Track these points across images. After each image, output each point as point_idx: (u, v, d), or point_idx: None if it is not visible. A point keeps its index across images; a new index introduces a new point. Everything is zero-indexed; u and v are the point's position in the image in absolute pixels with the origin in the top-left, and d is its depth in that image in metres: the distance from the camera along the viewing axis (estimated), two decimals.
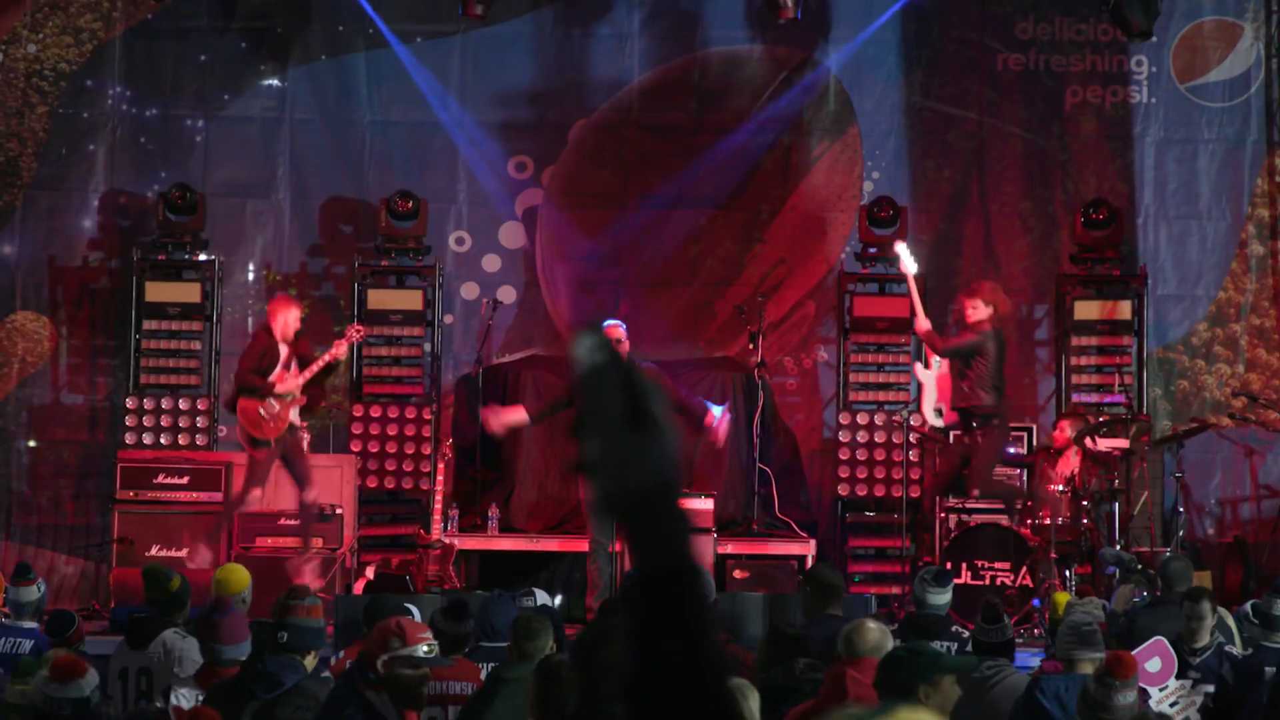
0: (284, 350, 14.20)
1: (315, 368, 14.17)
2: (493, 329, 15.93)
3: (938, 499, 14.69)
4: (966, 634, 9.01)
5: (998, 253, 16.74)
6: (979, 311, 14.00)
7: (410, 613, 9.11)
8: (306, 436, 14.44)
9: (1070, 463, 14.26)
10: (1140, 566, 12.76)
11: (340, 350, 14.32)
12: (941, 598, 9.27)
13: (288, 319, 14.23)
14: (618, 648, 5.23)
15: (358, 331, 14.70)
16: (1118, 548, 13.77)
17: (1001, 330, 14.14)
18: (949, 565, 13.21)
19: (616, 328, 13.43)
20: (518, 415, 13.52)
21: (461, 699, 7.68)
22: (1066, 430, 14.27)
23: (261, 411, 13.98)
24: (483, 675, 7.95)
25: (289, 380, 14.09)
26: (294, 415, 14.14)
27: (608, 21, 16.90)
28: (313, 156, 16.74)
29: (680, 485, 2.96)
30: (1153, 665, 8.72)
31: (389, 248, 16.20)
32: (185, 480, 15.01)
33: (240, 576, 9.39)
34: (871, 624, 6.77)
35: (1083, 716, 6.66)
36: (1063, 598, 9.03)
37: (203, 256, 16.10)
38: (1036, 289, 16.68)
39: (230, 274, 16.48)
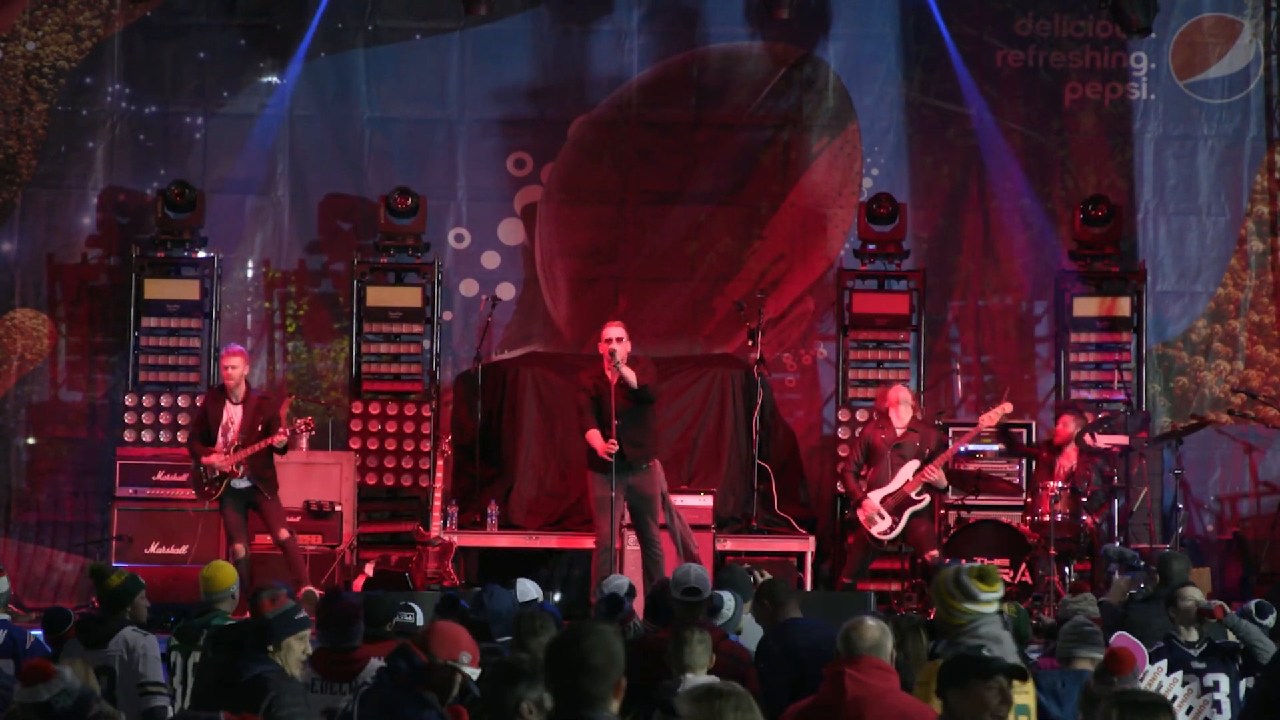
0: (230, 411, 13.70)
1: (253, 449, 13.58)
2: (492, 326, 15.93)
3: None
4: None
5: (997, 249, 16.73)
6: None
7: (413, 611, 9.13)
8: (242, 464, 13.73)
9: (1070, 459, 14.25)
10: (1143, 564, 12.77)
11: (279, 440, 13.56)
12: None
13: (230, 370, 13.71)
14: (583, 648, 5.18)
15: (308, 426, 13.95)
16: (1118, 544, 13.77)
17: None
18: (966, 561, 13.17)
19: (619, 326, 13.44)
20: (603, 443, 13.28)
21: None
22: (1069, 425, 14.24)
23: (202, 479, 13.67)
24: None
25: (221, 457, 13.57)
26: (241, 481, 13.63)
27: (607, 18, 16.89)
28: (312, 153, 16.73)
29: None
30: None
31: (388, 245, 16.20)
32: (184, 478, 14.98)
33: (226, 574, 9.40)
34: (871, 622, 6.73)
35: (1085, 713, 6.65)
36: (1009, 610, 8.98)
37: (202, 254, 16.10)
38: (1036, 285, 16.68)
39: (229, 271, 16.47)
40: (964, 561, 13.25)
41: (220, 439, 13.66)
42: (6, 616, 9.74)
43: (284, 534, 13.65)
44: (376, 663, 8.02)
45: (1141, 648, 9.02)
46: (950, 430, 15.20)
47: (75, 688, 6.31)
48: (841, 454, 15.79)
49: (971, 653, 6.22)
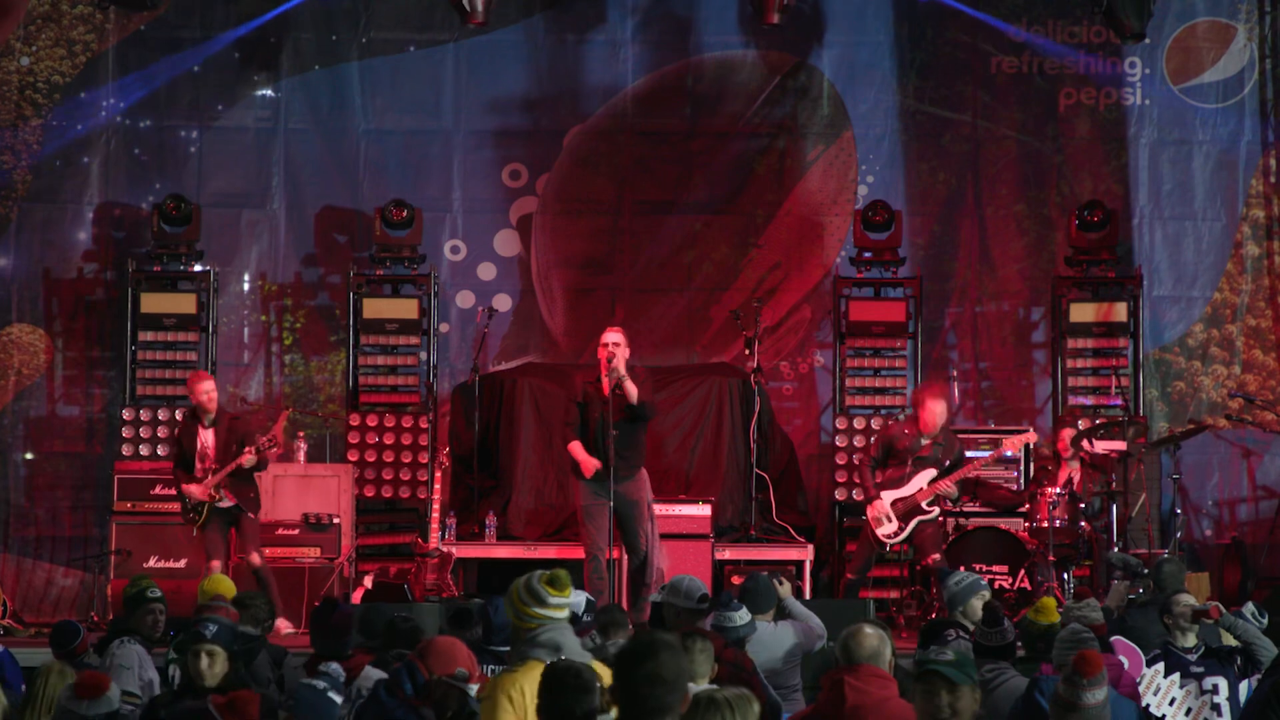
0: (203, 435, 13.78)
1: (225, 471, 13.66)
2: (488, 337, 15.92)
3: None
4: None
5: (993, 256, 16.74)
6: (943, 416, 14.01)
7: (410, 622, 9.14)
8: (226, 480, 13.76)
9: (1069, 469, 14.29)
10: (1145, 571, 12.77)
11: (246, 459, 13.62)
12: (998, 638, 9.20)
13: (192, 394, 13.87)
14: (660, 660, 5.23)
15: (273, 441, 13.86)
16: (1116, 549, 13.78)
17: None
18: (965, 567, 13.18)
19: (618, 332, 13.46)
20: (589, 461, 13.30)
21: None
22: (1067, 440, 14.31)
23: (186, 505, 13.77)
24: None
25: (199, 488, 13.65)
26: (224, 502, 13.68)
27: (601, 28, 16.89)
28: (307, 166, 16.73)
29: None
30: (1122, 663, 8.77)
31: (384, 257, 16.19)
32: None
33: (225, 587, 9.46)
34: (869, 630, 6.74)
35: (1055, 717, 6.65)
36: (1049, 603, 8.97)
37: (198, 267, 16.09)
38: (1032, 291, 16.68)
39: (225, 284, 16.47)
40: (963, 568, 13.31)
41: (199, 465, 13.75)
42: None
43: (256, 559, 13.62)
44: (373, 672, 8.06)
45: (1138, 651, 9.01)
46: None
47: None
48: (839, 461, 15.81)
49: (922, 657, 6.28)
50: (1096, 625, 9.12)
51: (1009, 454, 14.69)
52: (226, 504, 13.69)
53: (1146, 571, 12.71)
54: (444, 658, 6.83)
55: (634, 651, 5.29)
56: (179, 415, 15.64)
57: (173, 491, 14.86)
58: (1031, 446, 15.37)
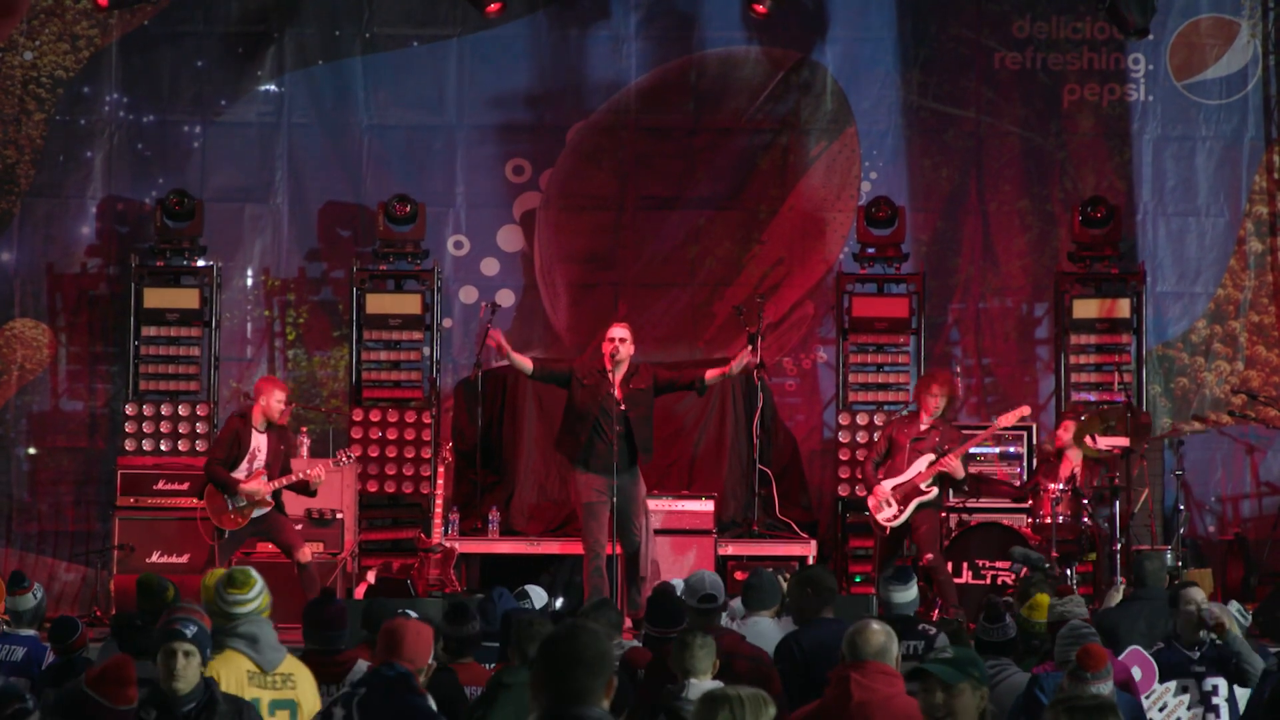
0: (256, 439, 13.49)
1: (286, 480, 13.48)
2: (491, 332, 15.90)
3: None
4: (934, 631, 8.95)
5: (996, 251, 16.74)
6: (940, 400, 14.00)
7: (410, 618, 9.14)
8: (266, 503, 13.50)
9: (1071, 463, 14.30)
10: (1048, 565, 12.79)
11: (319, 472, 13.58)
12: (906, 595, 9.19)
13: (270, 401, 13.53)
14: (579, 642, 5.21)
15: (348, 457, 14.01)
16: (1123, 547, 13.77)
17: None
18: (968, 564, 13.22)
19: (624, 327, 13.48)
20: (522, 359, 13.62)
21: None
22: (1070, 430, 14.31)
23: (228, 504, 13.41)
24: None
25: (256, 485, 13.34)
26: (258, 510, 13.39)
27: (604, 23, 16.89)
28: (310, 161, 16.73)
29: None
30: (1134, 675, 8.75)
31: (387, 252, 16.20)
32: (185, 486, 14.99)
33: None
34: (876, 626, 6.74)
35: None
36: (1043, 599, 8.95)
37: (201, 262, 16.10)
38: (1035, 287, 16.68)
39: (229, 279, 16.47)
40: (966, 565, 13.35)
41: (246, 466, 13.46)
42: (32, 633, 9.76)
43: (307, 554, 13.46)
44: (365, 665, 8.07)
45: (1153, 664, 8.95)
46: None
47: None
48: (843, 457, 15.82)
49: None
50: (1083, 619, 9.12)
51: (1004, 427, 14.55)
52: (264, 510, 13.50)
53: (1048, 567, 12.73)
54: (424, 651, 6.84)
55: (555, 635, 5.28)
56: (185, 408, 15.69)
57: (175, 486, 14.91)
58: (1035, 436, 15.39)
